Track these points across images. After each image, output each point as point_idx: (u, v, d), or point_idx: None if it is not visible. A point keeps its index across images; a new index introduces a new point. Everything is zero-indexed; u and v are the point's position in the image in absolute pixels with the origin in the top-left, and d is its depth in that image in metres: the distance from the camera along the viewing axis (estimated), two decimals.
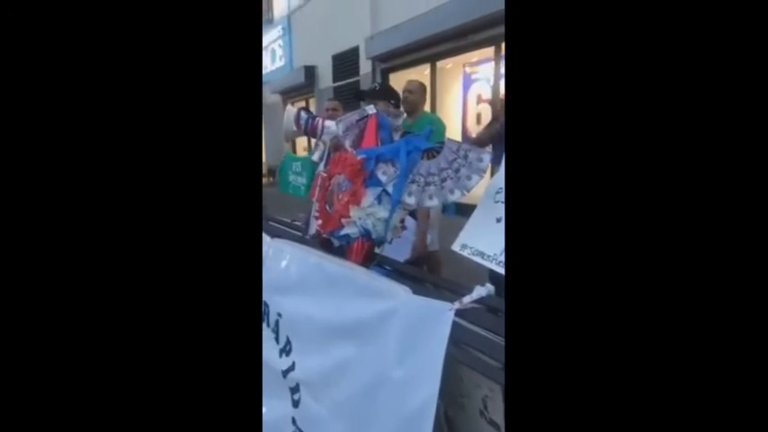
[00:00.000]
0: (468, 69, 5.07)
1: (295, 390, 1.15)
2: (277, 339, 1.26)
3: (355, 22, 5.85)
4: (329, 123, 1.48)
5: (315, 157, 1.80)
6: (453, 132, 4.38)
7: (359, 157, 1.09)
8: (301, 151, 7.33)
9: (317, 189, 1.40)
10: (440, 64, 5.09)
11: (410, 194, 1.02)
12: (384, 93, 1.46)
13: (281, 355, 1.22)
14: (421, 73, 5.29)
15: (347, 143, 1.26)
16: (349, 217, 1.07)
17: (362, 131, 1.26)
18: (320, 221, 1.19)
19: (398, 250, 1.13)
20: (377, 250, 1.12)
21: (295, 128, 1.46)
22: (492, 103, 4.56)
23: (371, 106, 1.26)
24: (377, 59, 5.71)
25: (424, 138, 1.02)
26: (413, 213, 1.12)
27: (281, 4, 8.45)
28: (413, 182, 1.02)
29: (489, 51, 4.39)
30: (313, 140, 2.62)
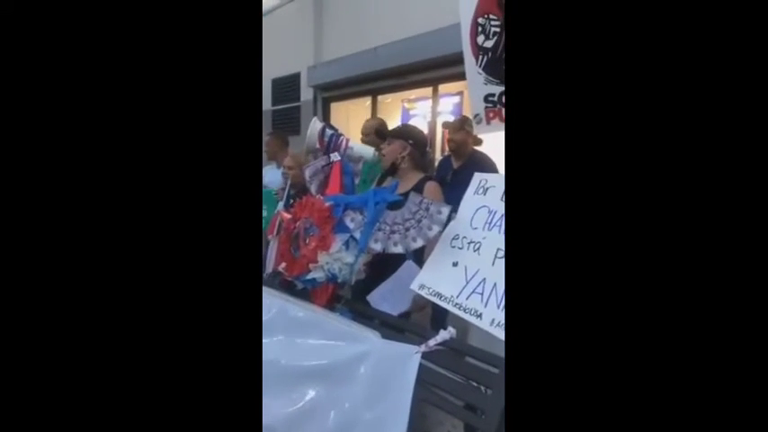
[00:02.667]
0: (406, 105, 5.37)
1: None
2: None
3: (298, 50, 5.92)
4: (354, 145, 1.45)
5: (276, 190, 1.79)
6: None
7: (327, 204, 1.15)
8: None
9: (277, 229, 1.41)
10: (380, 98, 5.33)
11: (376, 241, 1.10)
12: (402, 133, 1.48)
13: None
14: (362, 105, 5.49)
15: (313, 188, 1.32)
16: (317, 262, 1.11)
17: (327, 177, 1.32)
18: (284, 264, 1.21)
19: (397, 302, 1.17)
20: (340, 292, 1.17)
21: (318, 145, 1.42)
22: (428, 136, 4.87)
23: (336, 153, 1.33)
24: (318, 88, 5.80)
25: (389, 191, 1.11)
26: (418, 260, 1.16)
27: None
28: (379, 230, 1.10)
29: (427, 91, 4.73)
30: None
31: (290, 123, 5.98)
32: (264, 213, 1.87)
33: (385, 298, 1.16)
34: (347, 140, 1.44)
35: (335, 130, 1.50)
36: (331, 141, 1.42)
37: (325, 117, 5.82)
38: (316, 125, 1.45)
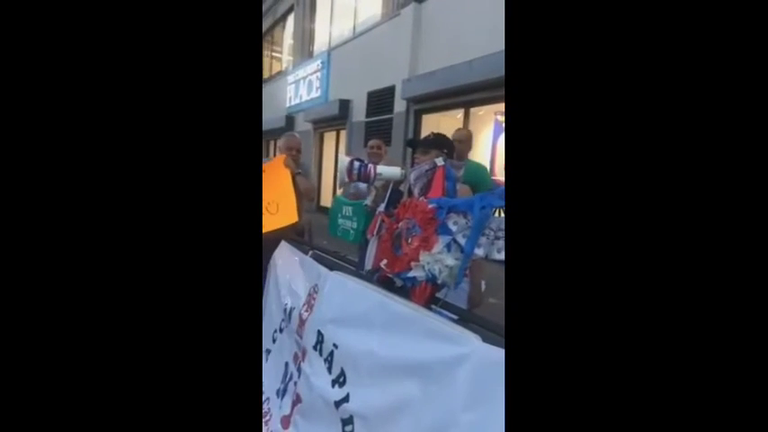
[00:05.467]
0: (499, 117, 5.25)
1: (348, 422, 1.18)
2: (330, 369, 1.31)
3: (394, 63, 6.14)
4: (381, 169, 1.57)
5: (368, 201, 1.89)
6: None
7: (431, 206, 1.18)
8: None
9: (378, 228, 1.48)
10: (473, 110, 5.28)
11: (479, 246, 1.10)
12: (437, 142, 1.53)
13: (333, 386, 1.27)
14: (454, 117, 5.49)
15: (416, 191, 1.36)
16: (418, 261, 1.14)
17: (430, 181, 1.36)
18: (385, 261, 1.27)
19: (454, 300, 1.19)
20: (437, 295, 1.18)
21: (347, 179, 1.55)
22: None
23: (440, 158, 1.36)
24: (411, 100, 5.94)
25: (497, 196, 1.10)
26: None
27: (321, 39, 8.95)
28: (483, 234, 1.10)
29: None
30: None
31: (382, 134, 6.21)
32: (355, 225, 1.95)
33: None
34: (374, 168, 1.60)
35: (362, 161, 1.66)
36: (360, 172, 1.54)
37: (417, 128, 5.94)
38: (344, 161, 1.56)
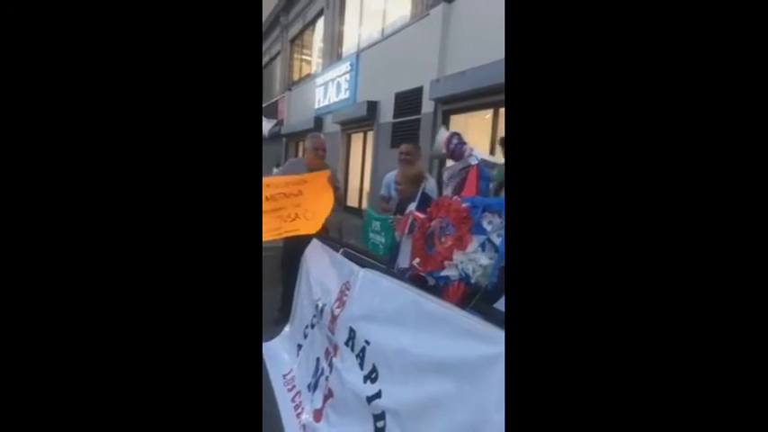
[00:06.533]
0: None
1: (379, 417, 1.20)
2: (362, 365, 1.33)
3: (423, 64, 6.13)
4: (477, 153, 1.51)
5: (391, 218, 1.92)
6: None
7: (465, 205, 1.18)
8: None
9: (408, 227, 1.49)
10: (502, 110, 5.21)
11: None
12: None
13: (365, 381, 1.29)
14: (483, 117, 5.43)
15: (449, 191, 1.36)
16: (452, 260, 1.15)
17: (464, 180, 1.36)
18: (418, 260, 1.28)
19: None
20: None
21: (444, 150, 1.54)
22: None
23: (474, 157, 1.36)
24: (440, 101, 5.92)
25: None
26: None
27: (350, 42, 9.05)
28: None
29: None
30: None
31: (409, 135, 6.21)
32: (383, 240, 1.97)
33: None
34: (471, 149, 1.49)
35: (461, 138, 1.58)
36: (456, 148, 1.49)
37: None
38: (443, 134, 1.53)
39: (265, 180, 2.37)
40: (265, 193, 2.27)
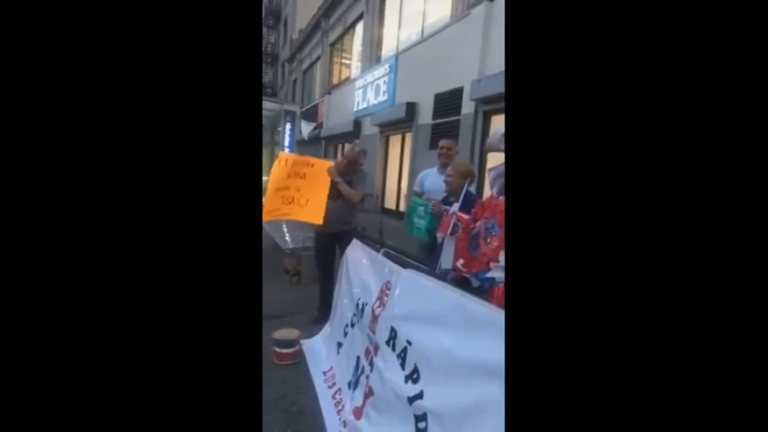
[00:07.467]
0: None
1: (421, 418, 1.19)
2: (403, 365, 1.33)
3: (463, 64, 6.05)
4: None
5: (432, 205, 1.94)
6: None
7: None
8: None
9: (451, 228, 1.48)
10: None
11: None
12: None
13: (406, 382, 1.28)
14: None
15: (495, 191, 1.33)
16: (498, 261, 1.12)
17: None
18: (462, 261, 1.26)
19: None
20: None
21: (502, 147, 1.54)
22: None
23: None
24: (480, 101, 5.81)
25: None
26: None
27: (390, 44, 9.10)
28: None
29: None
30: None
31: (449, 136, 6.16)
32: (424, 223, 2.00)
33: None
34: None
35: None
36: None
37: (485, 129, 5.80)
38: (501, 129, 1.49)
39: (282, 155, 2.51)
40: (278, 171, 2.39)
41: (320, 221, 2.38)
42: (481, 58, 5.78)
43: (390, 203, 8.31)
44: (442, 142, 2.70)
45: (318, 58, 14.27)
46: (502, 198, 1.22)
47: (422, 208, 2.08)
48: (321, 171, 2.48)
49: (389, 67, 8.51)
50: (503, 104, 5.48)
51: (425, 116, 7.08)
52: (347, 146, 2.86)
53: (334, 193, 2.46)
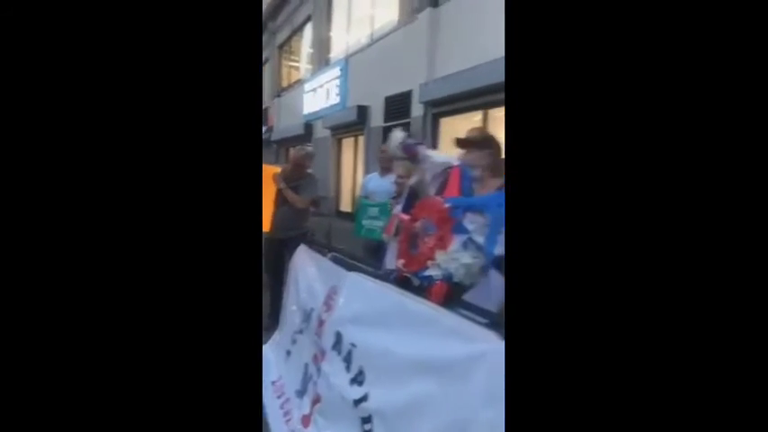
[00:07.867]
0: None
1: (366, 420, 1.19)
2: (348, 368, 1.32)
3: (412, 67, 6.16)
4: (431, 153, 1.54)
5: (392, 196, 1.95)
6: None
7: (446, 205, 1.18)
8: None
9: (395, 228, 1.49)
10: (491, 112, 5.24)
11: (498, 244, 1.09)
12: (483, 142, 1.47)
13: (351, 385, 1.27)
14: (471, 119, 5.46)
15: (432, 190, 1.37)
16: (434, 260, 1.15)
17: (446, 180, 1.36)
18: (402, 261, 1.27)
19: (486, 302, 1.18)
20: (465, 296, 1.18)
21: (400, 151, 1.57)
22: None
23: (454, 158, 1.36)
24: (429, 104, 5.94)
25: None
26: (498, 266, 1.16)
27: (339, 47, 9.08)
28: (500, 233, 1.09)
29: None
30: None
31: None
32: (381, 224, 2.02)
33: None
34: (424, 149, 1.55)
35: (417, 139, 1.62)
36: (409, 149, 1.54)
37: (434, 132, 5.94)
38: (397, 135, 1.56)
39: None
40: None
41: (265, 228, 2.33)
42: (429, 62, 5.92)
43: (346, 206, 8.27)
44: (382, 146, 2.75)
45: (267, 61, 13.94)
46: (438, 198, 1.26)
47: (375, 209, 2.08)
48: (265, 178, 2.45)
49: (340, 69, 8.49)
50: (452, 107, 5.65)
51: (377, 119, 7.13)
52: (291, 150, 2.85)
53: (281, 200, 2.42)
